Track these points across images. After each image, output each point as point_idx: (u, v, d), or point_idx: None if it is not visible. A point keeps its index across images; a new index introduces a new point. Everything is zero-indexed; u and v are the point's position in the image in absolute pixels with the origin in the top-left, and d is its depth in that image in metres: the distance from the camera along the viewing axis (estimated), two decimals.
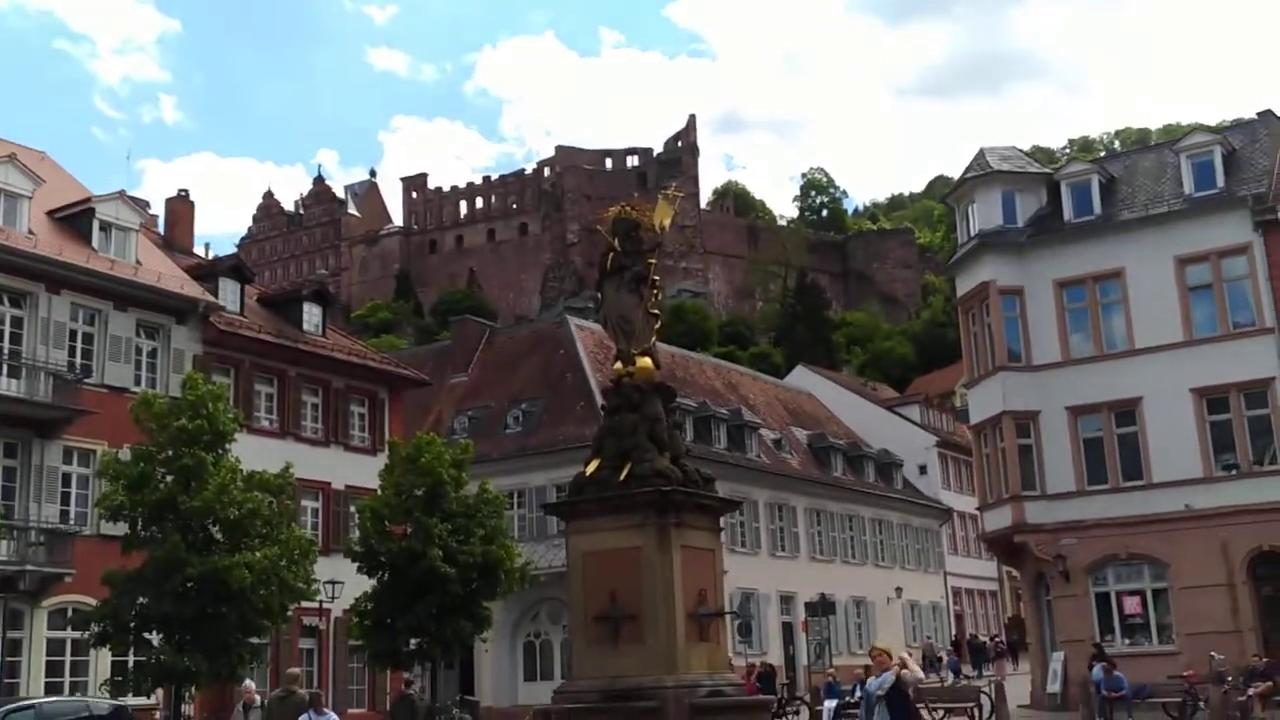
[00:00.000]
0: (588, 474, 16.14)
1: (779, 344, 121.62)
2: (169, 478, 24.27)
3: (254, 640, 25.82)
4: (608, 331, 17.25)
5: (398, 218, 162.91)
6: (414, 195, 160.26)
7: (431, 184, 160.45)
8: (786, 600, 45.96)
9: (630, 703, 14.70)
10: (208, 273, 33.95)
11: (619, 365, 16.70)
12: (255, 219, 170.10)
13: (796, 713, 31.62)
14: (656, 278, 16.93)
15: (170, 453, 24.40)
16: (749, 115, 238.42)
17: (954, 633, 57.90)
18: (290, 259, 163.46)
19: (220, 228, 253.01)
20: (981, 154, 36.53)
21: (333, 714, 18.72)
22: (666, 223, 17.11)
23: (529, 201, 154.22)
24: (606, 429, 16.47)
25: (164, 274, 31.62)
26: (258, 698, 19.20)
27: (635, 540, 15.31)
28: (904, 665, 13.70)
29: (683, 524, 15.45)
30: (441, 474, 30.31)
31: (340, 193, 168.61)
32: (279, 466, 31.38)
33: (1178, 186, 33.90)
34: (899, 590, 53.67)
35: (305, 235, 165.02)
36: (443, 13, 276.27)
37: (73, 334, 29.35)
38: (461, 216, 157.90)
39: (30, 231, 29.26)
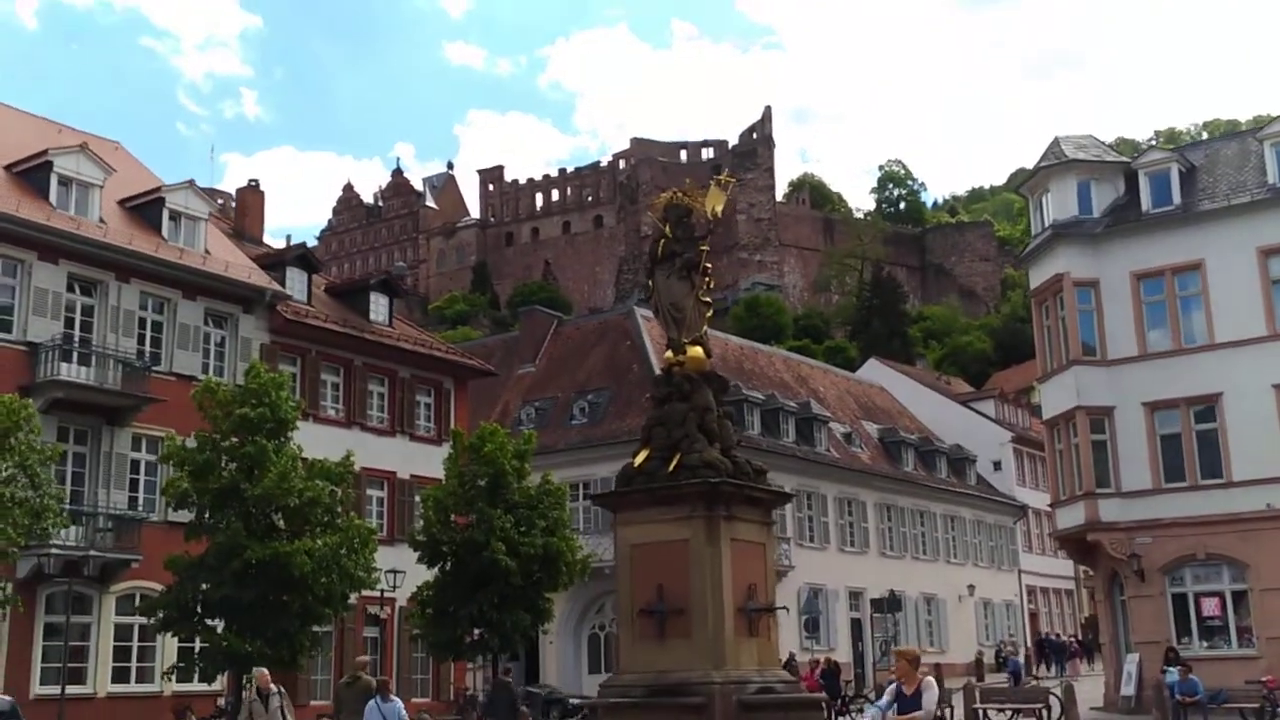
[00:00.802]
0: (636, 465, 15.88)
1: (854, 338, 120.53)
2: (232, 465, 24.48)
3: (315, 628, 25.98)
4: (659, 320, 16.95)
5: (475, 210, 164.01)
6: (490, 188, 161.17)
7: (507, 177, 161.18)
8: (855, 596, 45.38)
9: (676, 698, 14.43)
10: (275, 262, 34.22)
11: (669, 354, 16.43)
12: (335, 211, 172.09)
13: (860, 710, 31.12)
14: (709, 265, 16.58)
15: (233, 440, 24.62)
16: (823, 108, 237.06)
17: (1028, 632, 56.86)
18: (369, 251, 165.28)
19: (301, 220, 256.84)
20: (1056, 143, 35.66)
21: (398, 700, 18.75)
22: (719, 209, 16.74)
23: (604, 194, 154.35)
24: (656, 419, 16.18)
25: (232, 263, 31.89)
26: (274, 685, 18.98)
27: (683, 533, 15.04)
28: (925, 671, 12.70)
29: (732, 516, 15.14)
30: (504, 464, 30.26)
31: (418, 185, 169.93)
32: (344, 455, 31.74)
33: (1261, 175, 32.82)
34: (971, 588, 52.82)
35: (384, 228, 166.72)
36: (517, 6, 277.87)
37: (142, 322, 29.71)
38: (537, 209, 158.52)
39: (101, 220, 29.63)
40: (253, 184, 39.07)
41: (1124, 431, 32.79)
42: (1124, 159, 35.36)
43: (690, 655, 14.67)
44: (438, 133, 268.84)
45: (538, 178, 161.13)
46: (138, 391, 28.30)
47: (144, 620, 27.08)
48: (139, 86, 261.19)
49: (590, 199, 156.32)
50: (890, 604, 36.82)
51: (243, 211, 38.44)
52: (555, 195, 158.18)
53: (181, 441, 24.78)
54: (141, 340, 29.59)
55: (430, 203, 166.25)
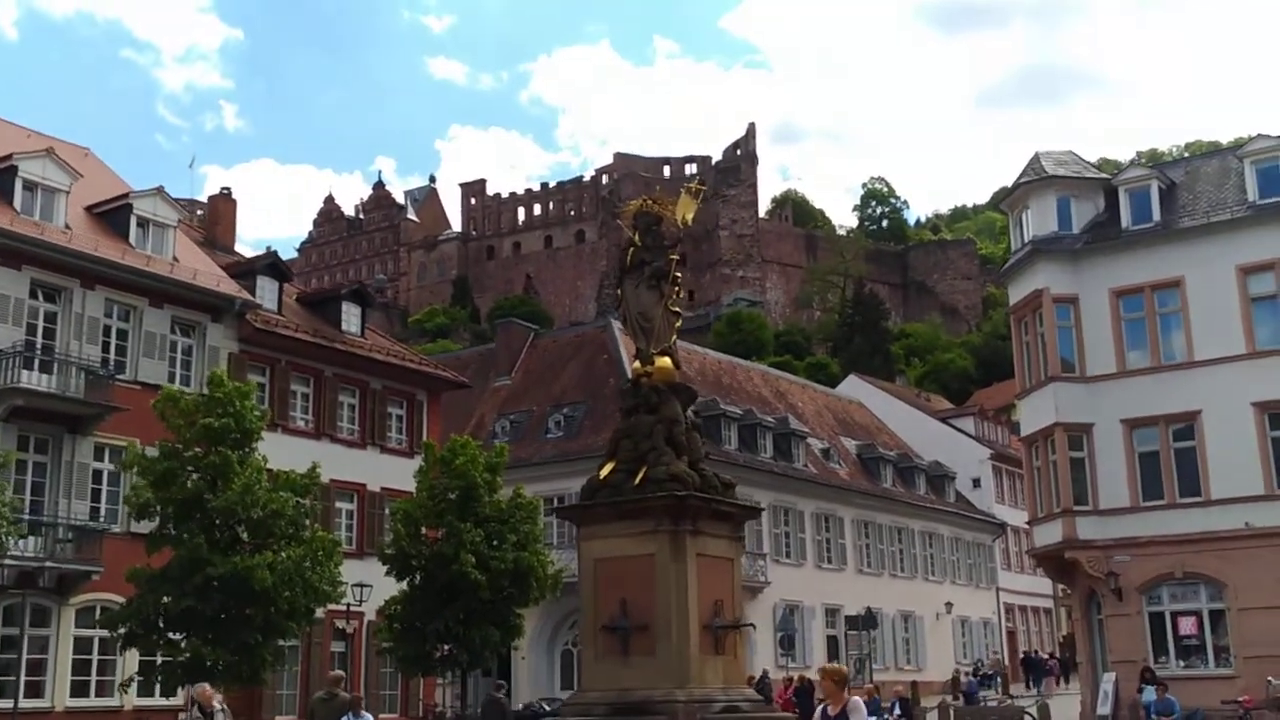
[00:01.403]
0: (601, 477, 15.50)
1: (836, 354, 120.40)
2: (195, 475, 23.97)
3: (281, 641, 25.45)
4: (627, 330, 16.58)
5: (456, 224, 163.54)
6: (472, 201, 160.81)
7: (489, 191, 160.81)
8: (831, 613, 45.04)
9: (639, 717, 14.05)
10: (246, 271, 33.73)
11: (637, 364, 16.06)
12: (315, 223, 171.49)
13: None
14: (679, 274, 16.23)
15: (197, 450, 24.12)
16: (805, 126, 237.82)
17: (1006, 650, 56.56)
18: (350, 263, 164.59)
19: (281, 232, 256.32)
20: (1037, 159, 35.47)
21: (369, 716, 18.36)
22: (689, 217, 16.43)
23: (586, 208, 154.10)
24: (623, 431, 15.80)
25: (200, 271, 31.41)
26: (216, 701, 18.31)
27: (648, 547, 14.65)
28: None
29: (699, 531, 14.76)
30: (475, 478, 29.80)
31: (400, 198, 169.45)
32: (310, 467, 31.18)
33: (1241, 193, 32.67)
34: (949, 605, 52.51)
35: (365, 240, 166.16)
36: (499, 22, 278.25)
37: (107, 330, 29.18)
38: (519, 223, 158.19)
39: (67, 226, 29.13)
40: (225, 192, 38.65)
41: (1102, 449, 32.54)
42: (1104, 175, 35.22)
43: (654, 673, 14.27)
44: (419, 147, 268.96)
45: (520, 192, 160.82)
46: (100, 400, 27.75)
47: (105, 633, 26.50)
48: (119, 98, 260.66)
49: (572, 213, 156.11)
50: (865, 621, 36.46)
51: (214, 220, 37.96)
52: (537, 209, 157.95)
53: (143, 450, 24.23)
54: (106, 348, 29.05)
55: (411, 216, 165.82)
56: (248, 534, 24.28)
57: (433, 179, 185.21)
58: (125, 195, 31.21)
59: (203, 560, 23.02)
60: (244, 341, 31.95)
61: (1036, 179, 34.73)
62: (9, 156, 28.62)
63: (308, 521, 25.27)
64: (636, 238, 16.33)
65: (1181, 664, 30.79)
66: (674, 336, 16.36)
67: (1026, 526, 40.57)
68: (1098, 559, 31.99)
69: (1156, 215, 33.50)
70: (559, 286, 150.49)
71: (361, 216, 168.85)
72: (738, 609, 15.33)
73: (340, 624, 32.90)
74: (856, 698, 9.25)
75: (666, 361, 16.04)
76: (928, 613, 51.40)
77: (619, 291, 16.48)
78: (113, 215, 30.77)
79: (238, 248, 40.50)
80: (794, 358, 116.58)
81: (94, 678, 27.78)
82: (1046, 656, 54.81)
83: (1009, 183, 36.15)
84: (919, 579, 51.94)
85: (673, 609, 14.35)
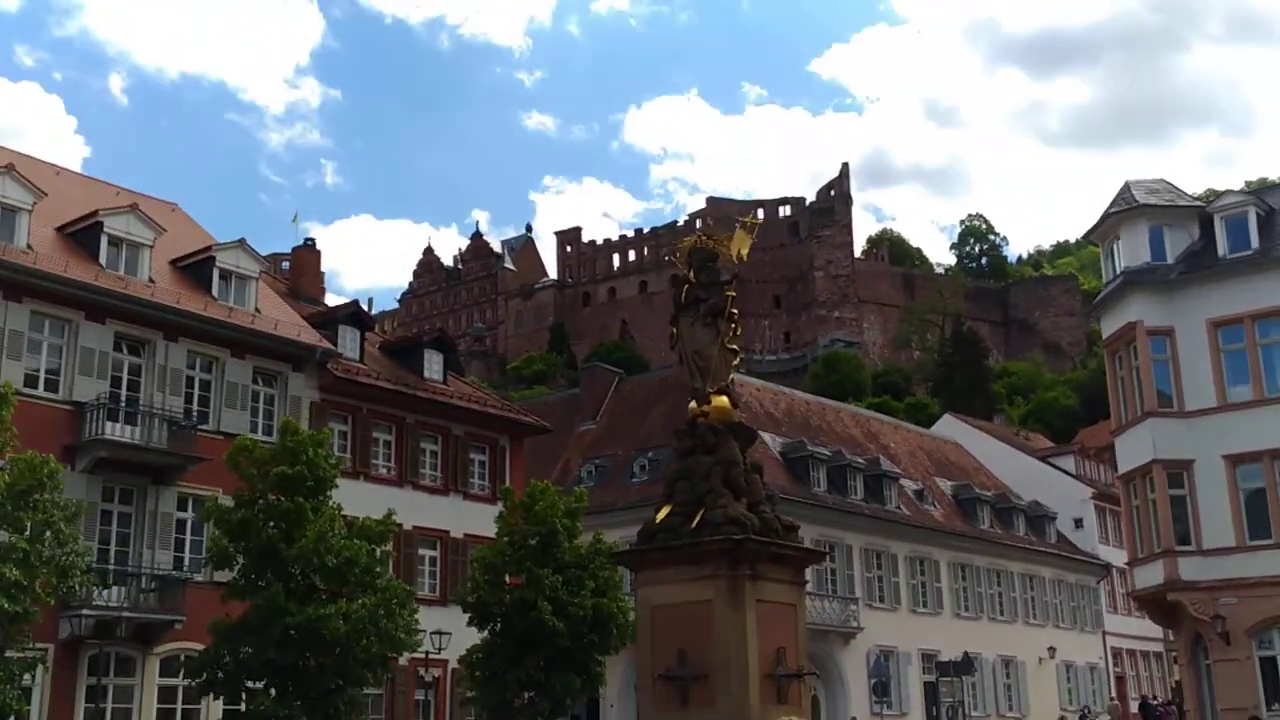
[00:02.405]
0: (657, 521, 15.16)
1: (936, 394, 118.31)
2: (270, 524, 24.00)
3: (358, 690, 25.29)
4: (683, 368, 16.22)
5: (552, 271, 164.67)
6: (568, 249, 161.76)
7: (584, 238, 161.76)
8: (928, 659, 43.78)
9: None
10: (327, 320, 33.97)
11: (694, 404, 15.69)
12: (415, 274, 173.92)
13: None
14: (735, 311, 15.89)
15: (272, 499, 24.17)
16: (898, 168, 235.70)
17: (1113, 696, 54.51)
18: (449, 312, 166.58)
19: (381, 285, 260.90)
20: (1127, 188, 34.46)
21: None
22: (745, 252, 16.19)
23: (680, 253, 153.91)
24: (679, 473, 15.47)
25: (281, 321, 31.69)
26: None
27: (706, 593, 14.27)
28: None
29: (758, 576, 14.32)
30: (555, 523, 29.47)
31: (497, 248, 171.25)
32: (396, 514, 31.14)
33: None
34: (1052, 650, 50.83)
35: (464, 290, 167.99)
36: (588, 76, 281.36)
37: (189, 381, 29.50)
38: (614, 269, 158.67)
39: (151, 280, 29.59)
40: (309, 243, 39.05)
41: (1204, 486, 31.32)
42: (1198, 203, 34.05)
43: None
44: (513, 199, 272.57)
45: (614, 239, 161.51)
46: (183, 450, 28.01)
47: (188, 682, 26.61)
48: (224, 158, 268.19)
49: (666, 258, 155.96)
50: (958, 667, 35.32)
51: (299, 271, 38.39)
52: (632, 255, 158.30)
53: (216, 500, 24.37)
54: (189, 399, 29.36)
55: (508, 265, 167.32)
56: (323, 582, 24.23)
57: (528, 228, 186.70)
58: (208, 248, 31.64)
59: (280, 610, 22.99)
60: (325, 390, 32.12)
61: (1127, 208, 33.74)
62: (94, 213, 29.19)
63: (380, 569, 25.02)
64: (691, 274, 16.04)
65: None
66: (731, 375, 16.01)
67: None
68: (1202, 601, 30.68)
69: (1255, 243, 32.31)
70: (654, 331, 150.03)
71: (460, 266, 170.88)
72: (801, 656, 14.80)
73: (423, 673, 32.76)
74: None
75: (724, 400, 15.68)
76: (1029, 658, 49.80)
77: (674, 330, 16.17)
78: (196, 268, 31.21)
79: (338, 302, 41.00)
80: (892, 398, 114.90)
81: None
82: (1161, 703, 52.68)
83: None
84: (1019, 623, 50.39)
85: (732, 657, 13.89)
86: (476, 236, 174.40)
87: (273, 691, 23.67)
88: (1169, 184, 35.31)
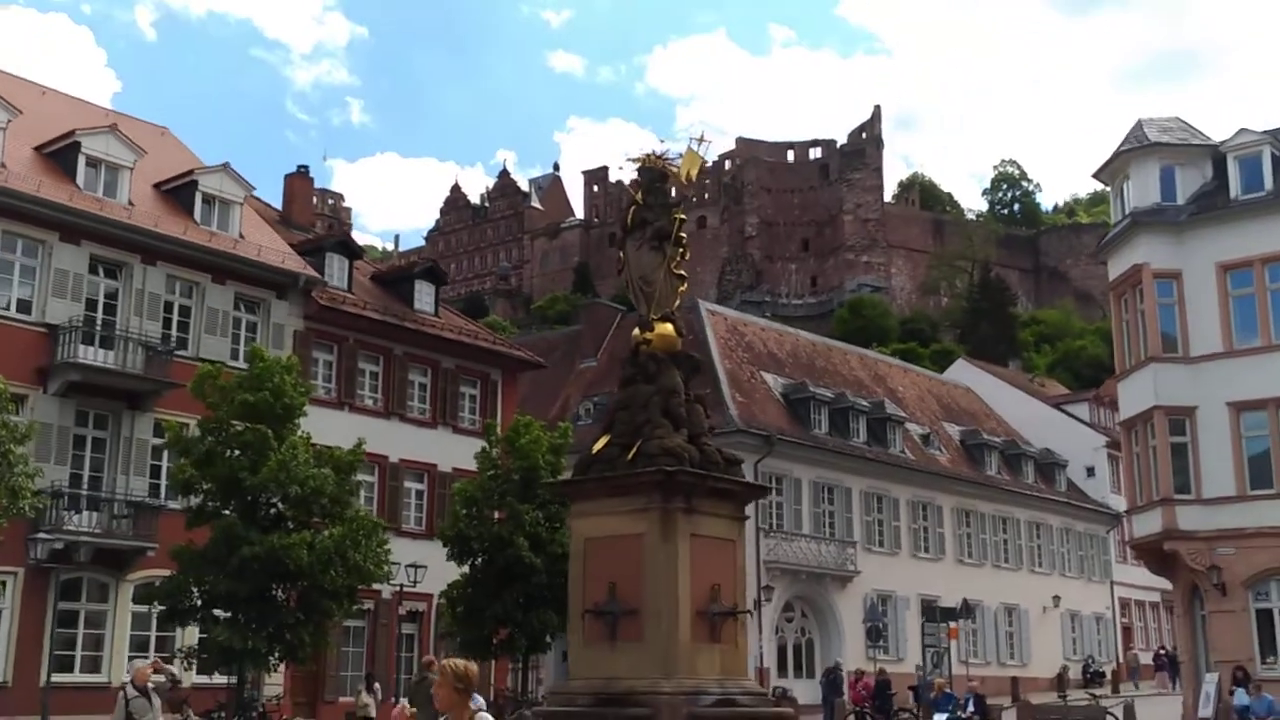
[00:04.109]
0: (594, 451, 14.53)
1: (962, 341, 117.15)
2: (234, 452, 23.61)
3: (327, 621, 25.00)
4: (629, 293, 15.55)
5: (580, 211, 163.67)
6: (595, 189, 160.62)
7: (612, 178, 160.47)
8: (928, 604, 43.16)
9: (621, 709, 13.04)
10: (315, 248, 33.44)
11: (636, 331, 15.03)
12: (442, 212, 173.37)
13: None
14: (683, 235, 15.17)
15: (237, 426, 23.78)
16: (929, 113, 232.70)
17: (1120, 647, 53.92)
18: (475, 251, 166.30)
19: (406, 223, 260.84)
20: (1139, 126, 33.24)
21: (480, 698, 18.04)
22: (693, 173, 15.37)
23: (709, 194, 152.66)
24: (619, 402, 14.83)
25: (265, 247, 31.17)
26: (158, 679, 17.25)
27: (638, 526, 13.65)
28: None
29: (694, 510, 13.68)
30: (538, 459, 28.99)
31: (524, 186, 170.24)
32: (382, 446, 30.76)
33: None
34: (1056, 599, 50.15)
35: (490, 228, 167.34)
36: (615, 15, 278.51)
37: (168, 306, 29.09)
38: None
39: (130, 203, 29.10)
40: (302, 170, 38.39)
41: (1206, 434, 30.35)
42: (1211, 142, 32.81)
43: (641, 662, 13.25)
44: (539, 140, 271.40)
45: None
46: (158, 376, 27.64)
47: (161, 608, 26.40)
48: (250, 95, 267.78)
49: (694, 199, 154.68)
50: (945, 612, 34.73)
51: (291, 198, 37.75)
52: None
53: (178, 427, 23.99)
54: (168, 324, 28.97)
55: (535, 204, 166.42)
56: (290, 512, 23.89)
57: (556, 167, 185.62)
58: (191, 171, 31.07)
59: (239, 538, 22.67)
60: (310, 319, 31.66)
61: (1138, 146, 32.55)
62: (72, 133, 28.65)
63: (350, 500, 24.63)
64: (639, 195, 15.32)
65: None
66: (677, 301, 15.31)
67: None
68: (1200, 551, 29.87)
69: (1269, 184, 31.08)
70: None
71: (487, 205, 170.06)
72: (739, 594, 14.23)
73: (410, 605, 32.55)
74: (484, 713, 6.45)
75: (668, 328, 14.98)
76: (1033, 606, 49.16)
77: (620, 253, 15.49)
78: (178, 192, 30.72)
79: (363, 240, 40.43)
80: (919, 345, 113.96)
81: (152, 654, 27.56)
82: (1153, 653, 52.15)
83: None
84: (1024, 570, 49.68)
85: (662, 593, 13.31)
86: (504, 175, 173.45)
87: (240, 619, 23.40)
88: (1183, 122, 34.09)
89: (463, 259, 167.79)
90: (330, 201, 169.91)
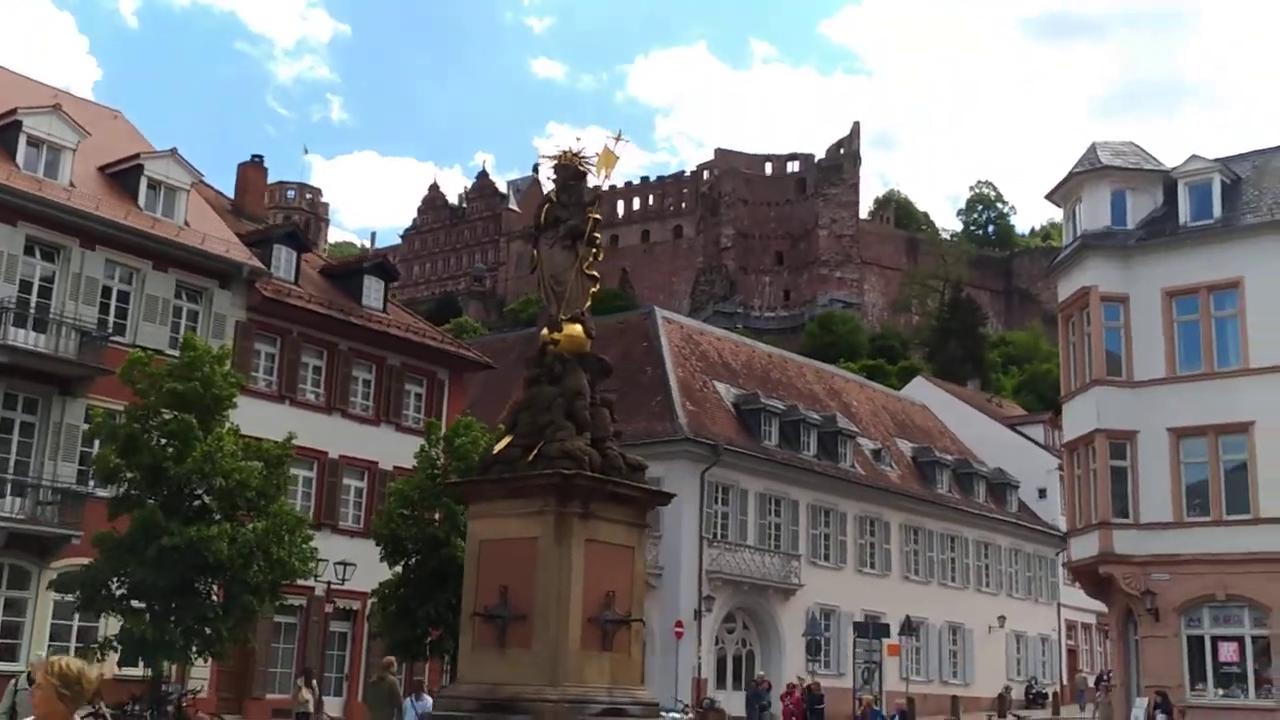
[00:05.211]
0: (495, 452, 14.39)
1: (931, 359, 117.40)
2: (160, 441, 23.27)
3: (249, 616, 24.68)
4: (540, 292, 15.41)
5: None
6: (593, 200, 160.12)
7: (589, 184, 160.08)
8: (867, 620, 43.11)
9: (504, 715, 12.84)
10: (262, 239, 33.09)
11: (545, 331, 14.88)
12: (419, 210, 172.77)
13: None
14: (597, 235, 15.03)
15: (166, 415, 23.44)
16: (907, 134, 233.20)
17: (1065, 669, 53.93)
18: (451, 252, 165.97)
19: (382, 220, 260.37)
20: (1093, 149, 33.35)
21: (429, 699, 17.97)
22: (609, 172, 15.24)
23: (685, 204, 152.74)
24: (522, 403, 14.67)
25: (210, 236, 30.83)
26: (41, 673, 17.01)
27: (533, 530, 13.47)
28: None
29: (591, 515, 13.51)
30: (475, 460, 28.68)
31: (503, 188, 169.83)
32: (322, 441, 30.39)
33: None
34: (1002, 619, 50.10)
35: (467, 229, 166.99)
36: (597, 23, 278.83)
37: (106, 291, 28.71)
38: (618, 216, 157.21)
39: (71, 184, 28.72)
40: (256, 159, 38.02)
41: (1146, 459, 30.47)
42: (1163, 168, 32.89)
43: (528, 668, 13.07)
44: (518, 144, 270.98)
45: (619, 186, 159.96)
46: (92, 362, 27.24)
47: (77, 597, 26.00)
48: (232, 88, 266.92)
49: (671, 209, 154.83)
50: (877, 629, 34.61)
51: (243, 188, 37.36)
52: (636, 203, 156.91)
53: (104, 414, 23.65)
54: (105, 310, 28.59)
55: (513, 206, 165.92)
56: (215, 504, 23.55)
57: (535, 169, 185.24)
58: (136, 155, 30.72)
59: (159, 528, 22.31)
60: (253, 310, 31.32)
61: (1090, 169, 32.67)
62: (13, 111, 28.28)
63: (276, 494, 24.31)
64: (553, 194, 15.18)
65: (1220, 693, 28.77)
66: (588, 302, 15.15)
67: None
68: (1135, 575, 29.96)
69: (1218, 211, 31.26)
70: (654, 281, 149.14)
71: (465, 205, 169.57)
72: (636, 602, 14.05)
73: (344, 604, 32.25)
74: None
75: (577, 329, 14.84)
76: (979, 625, 49.11)
77: (534, 251, 15.34)
78: (123, 176, 30.33)
79: (339, 236, 40.14)
80: (887, 362, 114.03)
81: (73, 644, 27.25)
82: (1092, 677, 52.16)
83: None
84: (970, 590, 49.62)
85: (553, 598, 13.12)
86: (482, 176, 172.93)
87: (158, 611, 23.06)
88: (1137, 147, 34.17)
89: (438, 259, 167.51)
90: (309, 196, 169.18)
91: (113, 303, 28.85)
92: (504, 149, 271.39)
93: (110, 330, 28.28)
